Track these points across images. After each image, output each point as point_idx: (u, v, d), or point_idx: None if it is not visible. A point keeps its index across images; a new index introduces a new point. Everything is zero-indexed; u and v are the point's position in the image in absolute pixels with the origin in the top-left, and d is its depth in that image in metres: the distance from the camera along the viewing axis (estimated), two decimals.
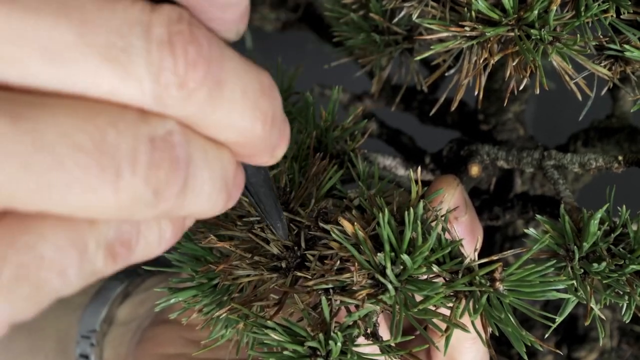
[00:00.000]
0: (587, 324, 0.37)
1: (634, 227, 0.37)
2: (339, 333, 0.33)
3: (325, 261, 0.35)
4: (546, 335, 0.40)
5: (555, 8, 0.40)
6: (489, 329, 0.35)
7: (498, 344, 0.58)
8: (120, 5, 0.21)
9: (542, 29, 0.40)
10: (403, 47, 0.48)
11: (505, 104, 0.52)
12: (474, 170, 0.45)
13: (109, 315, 0.58)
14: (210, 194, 0.24)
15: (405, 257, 0.33)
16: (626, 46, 0.40)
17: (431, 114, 0.45)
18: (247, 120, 0.24)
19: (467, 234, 0.39)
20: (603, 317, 0.37)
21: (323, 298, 0.33)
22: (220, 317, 0.39)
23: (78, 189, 0.21)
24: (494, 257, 0.34)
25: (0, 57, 0.20)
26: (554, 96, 0.53)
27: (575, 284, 0.37)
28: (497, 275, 0.34)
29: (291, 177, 0.40)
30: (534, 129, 0.58)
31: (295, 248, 0.37)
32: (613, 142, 0.51)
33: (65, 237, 0.22)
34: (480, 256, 0.36)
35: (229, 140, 0.24)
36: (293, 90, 0.49)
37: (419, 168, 0.40)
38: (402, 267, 0.33)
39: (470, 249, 0.39)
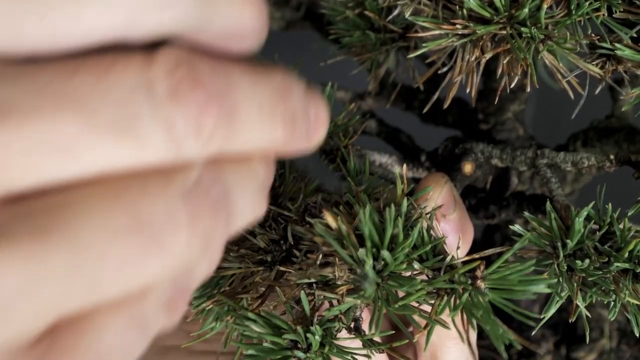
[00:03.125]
0: (571, 320, 0.37)
1: (621, 226, 0.37)
2: (317, 327, 0.33)
3: (309, 255, 0.36)
4: (545, 335, 0.40)
5: (546, 6, 0.40)
6: (471, 328, 0.35)
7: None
8: (113, 74, 0.20)
9: (534, 27, 0.40)
10: (399, 45, 0.48)
11: (501, 103, 0.52)
12: (467, 168, 0.46)
13: None
14: (253, 205, 0.24)
15: (385, 253, 0.33)
16: (617, 45, 0.40)
17: (424, 111, 0.45)
18: (268, 131, 0.23)
19: (455, 231, 0.39)
20: (589, 314, 0.37)
21: (302, 292, 0.34)
22: (210, 309, 0.39)
23: (127, 275, 0.20)
24: (476, 256, 0.34)
25: (11, 168, 0.19)
26: (554, 96, 0.53)
27: (561, 280, 0.37)
28: (478, 273, 0.34)
29: (282, 173, 0.41)
30: (534, 129, 0.58)
31: (282, 242, 0.37)
32: (612, 142, 0.51)
33: (123, 323, 0.21)
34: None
35: (257, 152, 0.24)
36: None
37: (404, 166, 0.40)
38: (383, 263, 0.34)
39: (461, 247, 0.39)
